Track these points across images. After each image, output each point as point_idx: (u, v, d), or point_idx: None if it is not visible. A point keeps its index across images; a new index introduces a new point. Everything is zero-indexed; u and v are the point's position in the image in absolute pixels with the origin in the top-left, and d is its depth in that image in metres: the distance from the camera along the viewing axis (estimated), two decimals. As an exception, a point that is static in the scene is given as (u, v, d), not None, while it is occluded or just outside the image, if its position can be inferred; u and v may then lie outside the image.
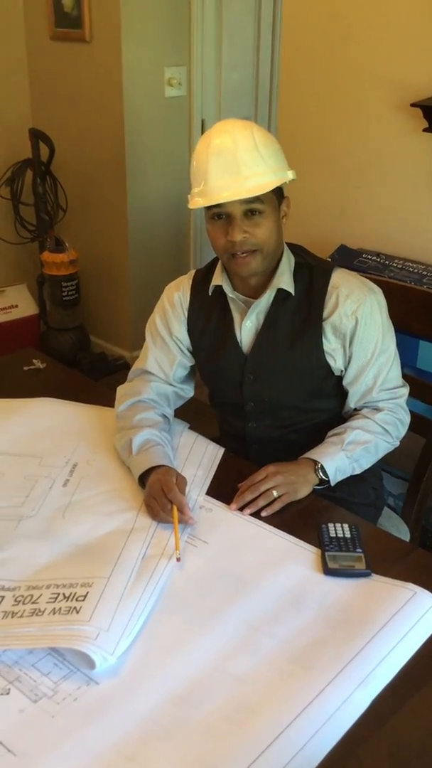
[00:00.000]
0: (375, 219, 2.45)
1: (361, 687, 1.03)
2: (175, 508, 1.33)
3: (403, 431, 1.59)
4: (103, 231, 3.63)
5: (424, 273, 2.21)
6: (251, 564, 1.27)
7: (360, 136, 2.41)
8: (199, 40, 3.41)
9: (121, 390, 1.67)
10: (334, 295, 1.50)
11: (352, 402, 1.57)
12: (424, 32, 2.16)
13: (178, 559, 1.26)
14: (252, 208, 1.41)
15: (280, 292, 1.52)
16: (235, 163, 1.39)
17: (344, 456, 1.47)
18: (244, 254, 1.44)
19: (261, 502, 1.38)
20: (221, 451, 1.61)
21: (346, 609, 1.18)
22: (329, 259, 2.35)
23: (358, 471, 1.51)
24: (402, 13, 2.20)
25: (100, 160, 3.50)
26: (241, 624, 1.15)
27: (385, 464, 2.27)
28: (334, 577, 1.25)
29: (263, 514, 1.38)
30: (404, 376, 1.86)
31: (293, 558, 1.29)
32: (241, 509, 1.39)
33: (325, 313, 1.50)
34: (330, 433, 1.53)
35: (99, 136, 3.46)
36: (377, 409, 1.55)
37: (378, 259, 2.32)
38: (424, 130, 2.19)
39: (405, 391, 1.59)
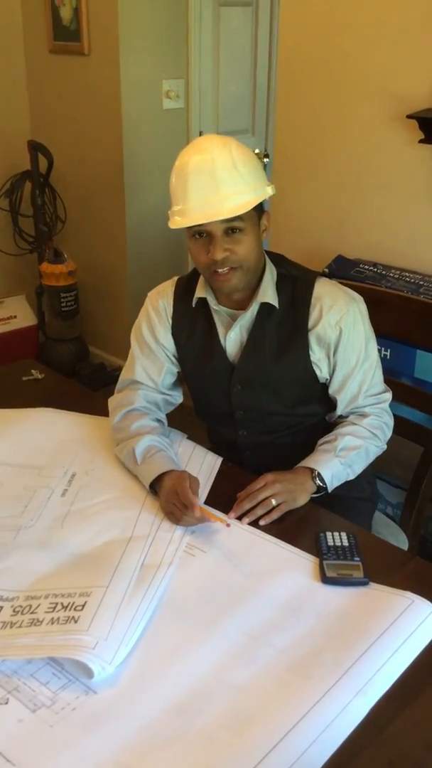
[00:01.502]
0: (372, 229, 2.47)
1: (360, 695, 1.04)
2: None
3: (389, 434, 1.61)
4: (102, 242, 3.64)
5: (421, 283, 2.22)
6: (249, 573, 1.27)
7: (357, 147, 2.43)
8: (197, 52, 3.44)
9: (112, 402, 1.67)
10: (318, 306, 1.51)
11: (339, 410, 1.59)
12: (420, 44, 2.18)
13: (228, 525, 1.36)
14: (232, 226, 1.42)
15: (264, 305, 1.53)
16: (214, 183, 1.39)
17: (338, 462, 1.49)
18: (225, 271, 1.45)
19: (259, 511, 1.39)
20: (219, 460, 1.62)
21: (345, 617, 1.18)
22: (323, 270, 2.36)
23: (352, 476, 1.53)
24: (398, 25, 2.22)
25: (98, 171, 3.52)
26: (240, 633, 1.15)
27: (384, 473, 2.27)
28: (333, 585, 1.25)
29: (261, 522, 1.38)
30: (402, 386, 1.87)
31: (291, 567, 1.29)
32: (239, 518, 1.39)
33: (310, 324, 1.51)
34: (321, 441, 1.55)
35: (97, 147, 3.48)
36: (363, 415, 1.57)
37: (375, 269, 2.33)
38: (420, 141, 2.20)
39: (388, 396, 1.62)
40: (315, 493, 1.47)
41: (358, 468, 1.54)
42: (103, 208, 3.57)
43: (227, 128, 3.68)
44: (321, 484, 1.46)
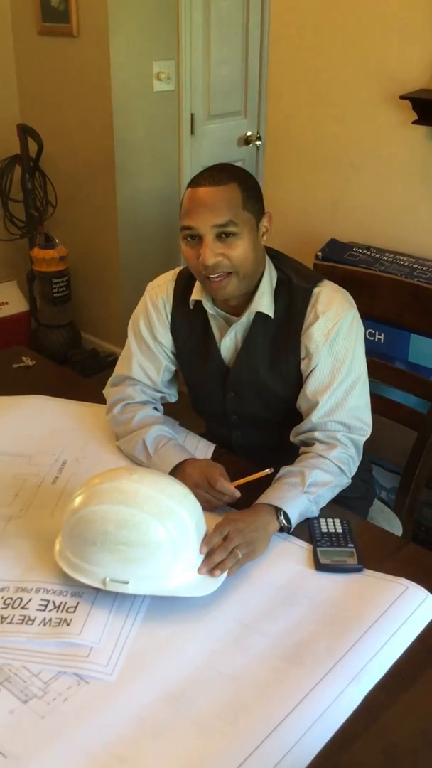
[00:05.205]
0: (365, 212, 2.44)
1: (354, 683, 1.03)
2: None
3: (354, 470, 1.47)
4: (93, 226, 3.61)
5: (415, 266, 2.21)
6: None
7: (349, 129, 2.41)
8: (188, 33, 3.39)
9: (109, 395, 1.64)
10: (313, 312, 1.45)
11: (315, 416, 1.44)
12: (413, 24, 2.15)
13: (271, 469, 1.40)
14: (225, 231, 1.36)
15: (260, 313, 1.48)
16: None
17: (306, 499, 1.35)
18: (218, 277, 1.40)
19: (229, 563, 1.21)
20: (212, 447, 1.61)
21: (338, 605, 1.17)
22: (316, 254, 2.34)
23: (315, 514, 1.37)
24: (390, 5, 2.18)
25: (89, 155, 3.49)
26: (233, 621, 1.14)
27: (378, 458, 2.27)
28: (326, 572, 1.24)
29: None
30: (396, 370, 1.86)
31: (285, 554, 1.29)
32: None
33: (303, 329, 1.46)
34: (284, 470, 1.40)
35: (88, 130, 3.44)
36: (331, 445, 1.43)
37: (368, 253, 2.32)
38: (414, 122, 2.18)
39: (367, 432, 1.49)
40: (279, 530, 1.33)
41: (323, 505, 1.40)
42: (93, 192, 3.54)
43: (219, 111, 3.65)
44: (286, 524, 1.32)
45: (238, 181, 1.39)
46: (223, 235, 1.37)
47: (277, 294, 1.48)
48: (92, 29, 3.22)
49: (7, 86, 3.67)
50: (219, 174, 1.39)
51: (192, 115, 3.54)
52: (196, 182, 1.40)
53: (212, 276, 1.40)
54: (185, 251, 1.42)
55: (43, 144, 3.44)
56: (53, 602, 1.15)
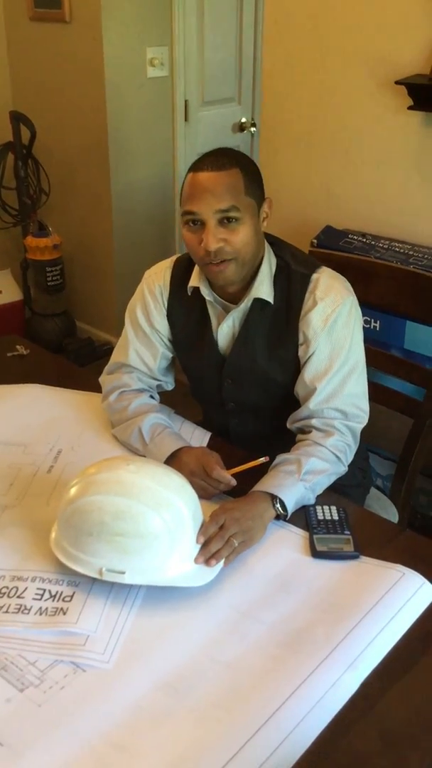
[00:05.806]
0: (361, 199, 2.43)
1: (350, 669, 1.03)
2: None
3: (350, 458, 1.47)
4: (87, 214, 3.59)
5: (410, 253, 2.20)
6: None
7: (345, 114, 2.39)
8: (181, 19, 3.36)
9: (105, 383, 1.63)
10: (312, 298, 1.45)
11: (313, 403, 1.44)
12: (408, 9, 2.14)
13: (267, 458, 1.41)
14: (228, 216, 1.36)
15: (258, 300, 1.47)
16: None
17: (303, 486, 1.34)
18: (220, 262, 1.39)
19: (224, 552, 1.21)
20: (207, 435, 1.61)
21: (335, 592, 1.17)
22: (311, 241, 2.33)
23: (312, 501, 1.38)
24: (385, -12, 2.17)
25: (82, 142, 3.46)
26: (230, 609, 1.14)
27: (374, 446, 2.27)
28: (323, 559, 1.24)
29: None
30: (392, 358, 1.86)
31: (281, 542, 1.29)
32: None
33: (302, 314, 1.45)
34: (280, 458, 1.40)
35: (81, 117, 3.41)
36: (328, 433, 1.43)
37: (364, 240, 2.31)
38: (409, 108, 2.17)
39: (364, 419, 1.49)
40: (275, 518, 1.34)
41: (319, 492, 1.39)
42: (87, 180, 3.51)
43: (213, 97, 3.63)
44: (282, 511, 1.32)
45: (240, 166, 1.38)
46: (225, 221, 1.37)
47: (276, 280, 1.48)
48: (85, 15, 3.19)
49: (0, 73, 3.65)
50: (221, 159, 1.38)
51: (186, 101, 3.52)
52: (197, 167, 1.39)
53: (213, 261, 1.39)
54: (186, 236, 1.41)
55: (36, 131, 3.41)
56: (49, 591, 1.15)
